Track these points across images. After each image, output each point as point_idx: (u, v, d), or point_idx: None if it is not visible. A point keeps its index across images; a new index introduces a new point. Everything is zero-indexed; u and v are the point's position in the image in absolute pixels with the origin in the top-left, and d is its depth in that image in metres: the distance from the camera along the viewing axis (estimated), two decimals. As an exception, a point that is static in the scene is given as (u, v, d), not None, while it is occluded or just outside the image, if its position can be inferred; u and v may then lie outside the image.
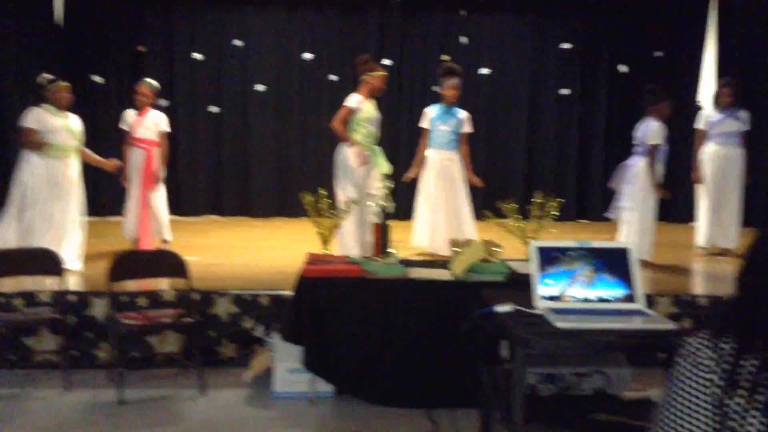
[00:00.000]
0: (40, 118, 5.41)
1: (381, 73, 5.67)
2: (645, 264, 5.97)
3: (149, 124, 6.24)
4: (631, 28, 8.90)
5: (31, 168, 5.38)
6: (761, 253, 1.43)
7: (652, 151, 5.86)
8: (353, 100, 5.58)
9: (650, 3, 8.72)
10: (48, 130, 5.41)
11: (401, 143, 8.67)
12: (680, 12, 8.80)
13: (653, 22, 8.87)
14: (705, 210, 6.49)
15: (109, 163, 5.88)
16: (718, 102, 6.41)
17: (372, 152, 5.60)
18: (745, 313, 1.42)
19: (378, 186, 5.27)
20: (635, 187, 5.95)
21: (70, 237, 5.47)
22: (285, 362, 3.98)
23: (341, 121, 5.54)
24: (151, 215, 6.19)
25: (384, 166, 5.60)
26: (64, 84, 5.52)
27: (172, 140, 8.14)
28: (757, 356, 1.35)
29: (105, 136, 7.81)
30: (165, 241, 6.35)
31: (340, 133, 5.56)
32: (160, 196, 6.32)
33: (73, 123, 5.60)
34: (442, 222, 5.97)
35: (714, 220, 6.42)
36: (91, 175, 6.47)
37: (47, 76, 5.56)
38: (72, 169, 5.54)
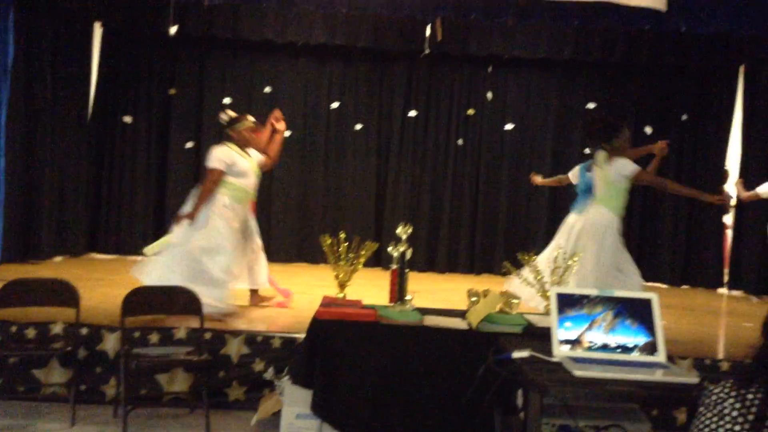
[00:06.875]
0: None
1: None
2: None
3: None
4: (657, 91, 8.91)
5: None
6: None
7: None
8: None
9: (677, 66, 8.72)
10: None
11: (423, 190, 8.94)
12: (706, 77, 8.81)
13: (680, 86, 8.88)
14: None
15: None
16: None
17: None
18: (773, 362, 1.35)
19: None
20: None
21: None
22: (293, 407, 3.87)
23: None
24: None
25: None
26: None
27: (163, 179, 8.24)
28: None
29: None
30: None
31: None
32: None
33: None
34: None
35: None
36: None
37: None
38: None
